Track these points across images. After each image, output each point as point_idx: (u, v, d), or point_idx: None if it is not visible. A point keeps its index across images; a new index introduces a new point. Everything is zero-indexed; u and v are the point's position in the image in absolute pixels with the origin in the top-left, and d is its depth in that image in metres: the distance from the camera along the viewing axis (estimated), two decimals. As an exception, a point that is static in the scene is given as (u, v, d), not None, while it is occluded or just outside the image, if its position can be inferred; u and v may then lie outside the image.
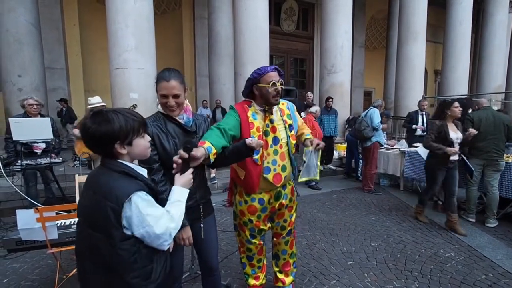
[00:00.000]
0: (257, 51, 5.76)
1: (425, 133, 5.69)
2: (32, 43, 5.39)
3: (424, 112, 5.70)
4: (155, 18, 5.07)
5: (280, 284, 2.06)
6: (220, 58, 7.87)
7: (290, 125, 1.79)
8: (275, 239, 2.00)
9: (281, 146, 1.72)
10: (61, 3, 7.89)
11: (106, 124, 0.96)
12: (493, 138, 3.31)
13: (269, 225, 1.92)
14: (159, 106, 1.46)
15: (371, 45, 13.84)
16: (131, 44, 4.55)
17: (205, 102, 8.67)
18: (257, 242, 1.88)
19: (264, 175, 1.69)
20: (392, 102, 9.14)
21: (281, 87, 1.62)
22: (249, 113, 1.67)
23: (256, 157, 1.63)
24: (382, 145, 5.16)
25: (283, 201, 1.85)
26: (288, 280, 2.06)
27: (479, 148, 3.37)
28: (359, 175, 5.75)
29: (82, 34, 8.58)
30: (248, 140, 1.36)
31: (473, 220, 3.49)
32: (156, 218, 0.99)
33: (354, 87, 11.41)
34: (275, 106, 1.72)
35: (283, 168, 1.75)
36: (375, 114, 4.77)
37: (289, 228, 1.96)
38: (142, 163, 1.37)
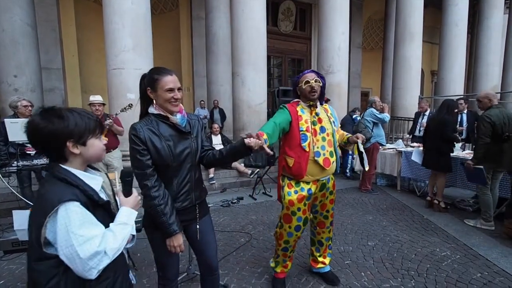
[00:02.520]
0: (254, 51, 5.77)
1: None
2: (28, 44, 5.35)
3: (427, 113, 5.56)
4: (152, 18, 5.06)
5: (321, 265, 2.33)
6: (218, 58, 7.86)
7: (333, 121, 2.09)
8: (318, 228, 2.25)
9: (328, 135, 2.01)
10: (57, 3, 7.84)
11: (58, 120, 0.87)
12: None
13: (310, 215, 2.17)
14: (153, 108, 1.41)
15: (368, 46, 13.91)
16: (128, 45, 4.53)
17: (202, 102, 8.66)
18: (299, 234, 2.08)
19: (316, 158, 1.95)
20: (389, 102, 9.17)
21: (319, 85, 1.93)
22: (298, 109, 2.01)
23: (304, 144, 1.93)
24: (383, 145, 5.13)
25: (326, 193, 2.11)
26: (327, 260, 2.36)
27: (494, 152, 3.14)
28: (347, 171, 5.87)
29: (78, 34, 8.53)
30: (246, 140, 1.38)
31: (473, 224, 3.41)
32: (84, 238, 0.82)
33: (351, 87, 11.46)
34: (319, 105, 2.04)
35: (331, 154, 2.01)
36: (375, 112, 4.75)
37: (331, 219, 2.24)
38: (134, 168, 1.34)
